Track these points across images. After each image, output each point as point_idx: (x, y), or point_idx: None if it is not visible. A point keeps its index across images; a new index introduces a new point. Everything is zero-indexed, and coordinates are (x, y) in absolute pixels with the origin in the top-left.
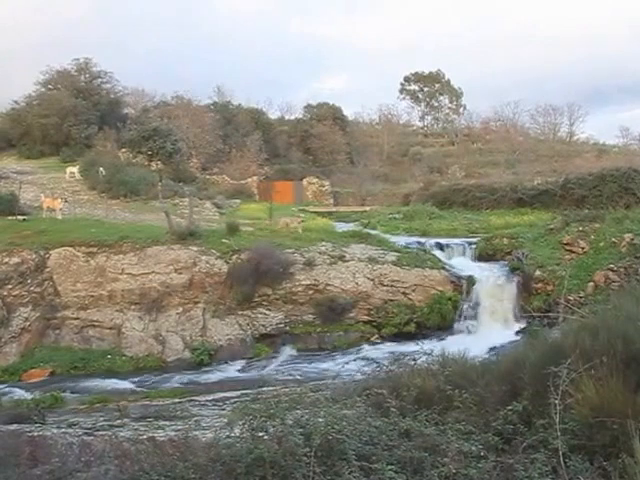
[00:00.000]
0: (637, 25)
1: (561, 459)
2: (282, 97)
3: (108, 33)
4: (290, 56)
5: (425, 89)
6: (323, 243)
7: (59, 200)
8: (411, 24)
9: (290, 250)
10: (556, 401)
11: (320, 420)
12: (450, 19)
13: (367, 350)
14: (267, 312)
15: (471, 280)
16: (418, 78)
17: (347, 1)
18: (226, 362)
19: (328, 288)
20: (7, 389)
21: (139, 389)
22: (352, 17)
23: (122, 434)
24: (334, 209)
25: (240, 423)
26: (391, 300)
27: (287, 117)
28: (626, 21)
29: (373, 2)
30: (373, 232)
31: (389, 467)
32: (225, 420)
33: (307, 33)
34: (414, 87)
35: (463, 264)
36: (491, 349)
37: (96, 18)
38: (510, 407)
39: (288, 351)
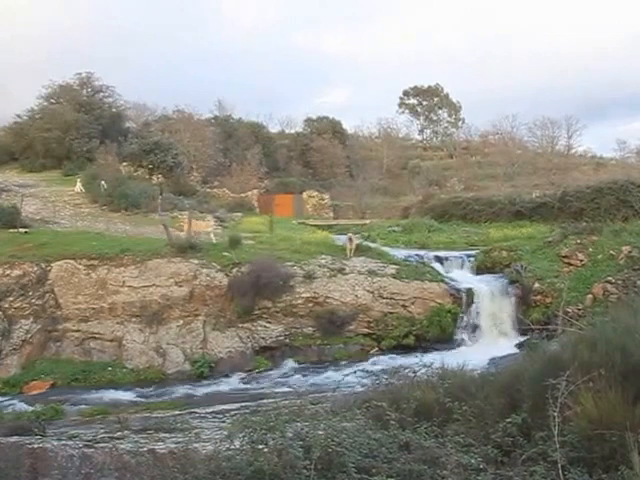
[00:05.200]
0: (633, 39)
1: (560, 472)
2: (282, 111)
3: (110, 47)
4: (291, 70)
5: (424, 103)
6: (323, 256)
7: (210, 222)
8: (411, 38)
9: (290, 263)
10: (555, 414)
11: (320, 433)
12: (449, 34)
13: (367, 362)
14: (267, 325)
15: (470, 293)
16: (417, 92)
17: (348, 15)
18: (226, 374)
19: (328, 301)
20: (8, 401)
21: (139, 401)
22: (353, 31)
23: (122, 446)
24: (334, 222)
25: (240, 436)
26: (390, 313)
27: (287, 131)
28: (622, 36)
29: (373, 16)
30: (372, 245)
31: None
32: (225, 432)
33: (309, 48)
34: (413, 101)
35: (462, 277)
36: (490, 361)
37: (98, 33)
38: (509, 419)
39: (288, 363)
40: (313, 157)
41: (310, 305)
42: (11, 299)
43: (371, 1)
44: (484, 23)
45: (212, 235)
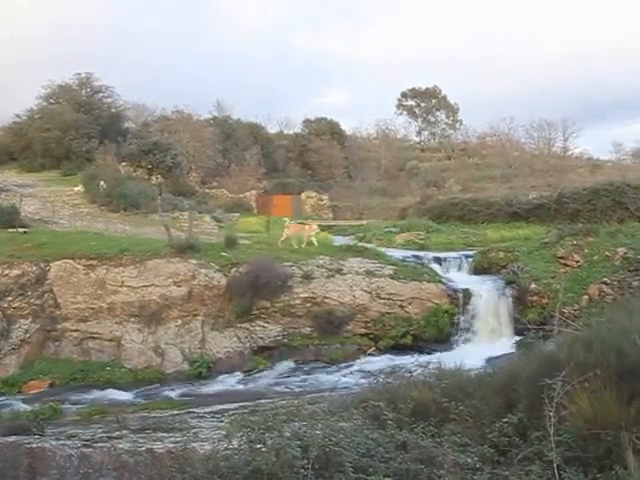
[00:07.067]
0: (633, 41)
1: (555, 471)
2: (282, 112)
3: (110, 47)
4: (290, 71)
5: (422, 104)
6: (321, 256)
7: (314, 226)
8: (410, 40)
9: (288, 263)
10: (551, 413)
11: (317, 432)
12: (449, 34)
13: (364, 362)
14: (265, 325)
15: (467, 293)
16: (415, 94)
17: (347, 15)
18: (224, 374)
19: (326, 301)
20: (6, 401)
21: (138, 401)
22: (353, 31)
23: (121, 446)
24: (332, 223)
25: (238, 435)
26: (388, 313)
27: (286, 132)
28: (622, 37)
29: (374, 16)
30: (370, 245)
31: (386, 479)
32: (223, 432)
33: (308, 48)
34: (411, 102)
35: (459, 277)
36: (487, 361)
37: (98, 33)
38: (505, 419)
39: (286, 364)
40: (311, 158)
41: (308, 305)
42: (10, 299)
43: (371, 1)
44: (484, 23)
45: (314, 240)
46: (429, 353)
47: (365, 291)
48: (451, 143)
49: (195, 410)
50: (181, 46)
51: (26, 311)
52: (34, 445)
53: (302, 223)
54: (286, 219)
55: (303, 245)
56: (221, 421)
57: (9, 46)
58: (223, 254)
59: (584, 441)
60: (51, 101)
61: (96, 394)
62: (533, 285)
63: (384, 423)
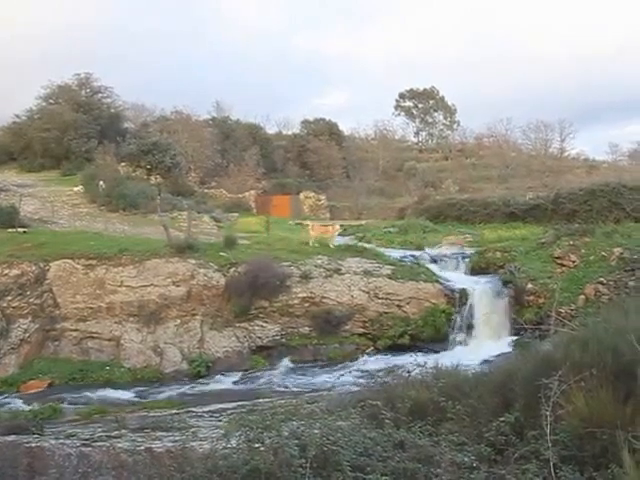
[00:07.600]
0: (631, 42)
1: (552, 470)
2: (281, 112)
3: (110, 48)
4: (290, 71)
5: (420, 105)
6: (319, 256)
7: (337, 226)
8: (410, 40)
9: (287, 263)
10: (547, 412)
11: (315, 431)
12: (448, 35)
13: (362, 362)
14: (264, 324)
15: (464, 293)
16: (413, 95)
17: (347, 15)
18: (223, 374)
19: (324, 301)
20: (5, 400)
21: (137, 400)
22: (353, 31)
23: (120, 445)
24: (330, 223)
25: (236, 434)
26: (386, 313)
27: (284, 132)
28: (621, 38)
29: (374, 16)
30: (368, 245)
31: (383, 478)
32: (222, 431)
33: (308, 49)
34: (409, 103)
35: (457, 277)
36: (484, 361)
37: (98, 33)
38: (502, 418)
39: (284, 363)
40: (310, 158)
41: (306, 305)
42: (9, 298)
43: (371, 1)
44: (484, 23)
45: (331, 241)
46: (427, 353)
47: (363, 291)
48: (448, 144)
49: (194, 409)
50: (181, 46)
51: (25, 311)
52: (33, 444)
53: (326, 224)
54: (309, 221)
55: (331, 245)
56: (220, 420)
57: (9, 46)
58: (222, 254)
59: (580, 440)
60: (50, 101)
61: (95, 393)
62: (530, 285)
63: (382, 422)
